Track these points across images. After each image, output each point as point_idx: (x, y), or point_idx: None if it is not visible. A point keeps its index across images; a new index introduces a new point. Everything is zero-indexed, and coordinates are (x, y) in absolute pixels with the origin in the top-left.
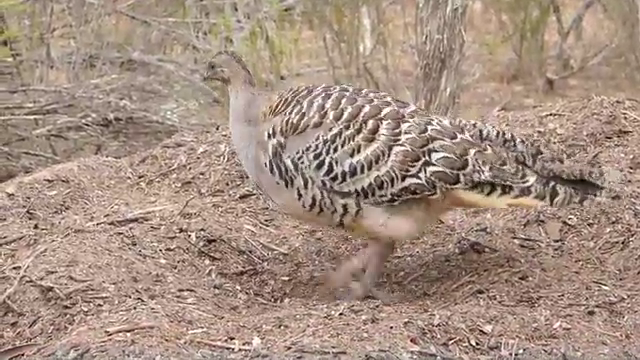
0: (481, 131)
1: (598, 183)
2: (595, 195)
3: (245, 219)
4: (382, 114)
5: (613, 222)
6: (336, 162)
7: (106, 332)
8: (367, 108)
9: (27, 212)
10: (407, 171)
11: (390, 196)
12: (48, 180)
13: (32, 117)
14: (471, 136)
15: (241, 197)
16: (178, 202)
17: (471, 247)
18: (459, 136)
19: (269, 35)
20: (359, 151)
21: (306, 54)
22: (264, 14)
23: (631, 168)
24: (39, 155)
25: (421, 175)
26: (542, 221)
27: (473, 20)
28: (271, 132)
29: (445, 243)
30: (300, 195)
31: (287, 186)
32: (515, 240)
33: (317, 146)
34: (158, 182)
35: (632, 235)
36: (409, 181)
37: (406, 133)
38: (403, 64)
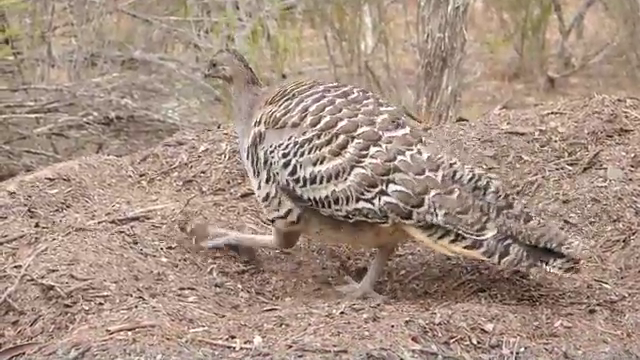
0: (455, 172)
1: (560, 251)
2: (547, 264)
3: (246, 218)
4: (357, 132)
5: (614, 220)
6: (300, 166)
7: (107, 331)
8: (344, 122)
9: (28, 210)
10: (362, 194)
11: (345, 212)
12: (49, 179)
13: (33, 116)
14: (443, 176)
15: (242, 196)
16: (179, 201)
17: None
18: (426, 174)
19: (271, 34)
20: (322, 162)
21: (307, 52)
22: (266, 13)
23: (632, 166)
24: (40, 154)
25: (375, 202)
26: (543, 219)
27: (474, 19)
28: (257, 120)
29: None
30: (259, 187)
31: (254, 175)
32: None
33: (287, 146)
34: (159, 181)
35: (633, 234)
36: (362, 204)
37: (372, 157)
38: (404, 63)
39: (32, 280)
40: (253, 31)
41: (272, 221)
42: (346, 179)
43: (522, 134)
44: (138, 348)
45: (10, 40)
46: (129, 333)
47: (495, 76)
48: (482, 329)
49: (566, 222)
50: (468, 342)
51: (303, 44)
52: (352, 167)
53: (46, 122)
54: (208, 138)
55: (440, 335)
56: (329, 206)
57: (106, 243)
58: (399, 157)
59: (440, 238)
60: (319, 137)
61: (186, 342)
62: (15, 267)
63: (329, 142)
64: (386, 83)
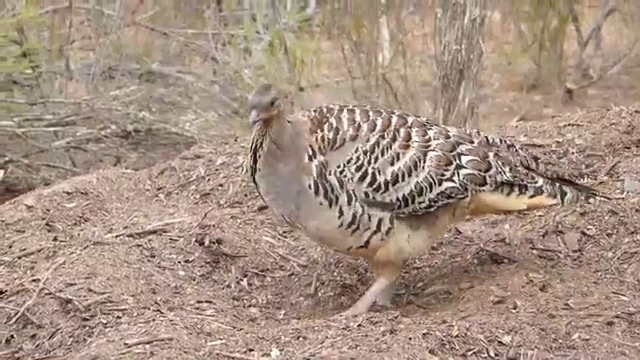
0: (487, 137)
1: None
2: (595, 194)
3: (264, 230)
4: (409, 123)
5: (632, 232)
6: (378, 171)
7: (125, 344)
8: (395, 118)
9: (46, 224)
10: (442, 175)
11: (428, 202)
12: (67, 192)
13: (51, 129)
14: (479, 142)
15: (260, 209)
16: (197, 214)
17: (490, 258)
18: (475, 140)
19: (288, 46)
20: (398, 158)
21: (325, 65)
22: (283, 25)
23: None
24: (58, 167)
25: (455, 178)
26: (561, 232)
27: (492, 30)
28: (310, 153)
29: (464, 254)
30: (341, 213)
31: (330, 205)
32: (534, 251)
33: (358, 157)
34: (177, 194)
35: None
36: (445, 185)
37: (435, 139)
38: (422, 74)
39: (50, 294)
40: (270, 44)
41: (366, 245)
42: (424, 167)
43: (539, 146)
44: None
45: (28, 54)
46: (147, 346)
47: (513, 87)
48: (500, 341)
49: (584, 234)
50: (486, 354)
51: (320, 56)
52: (424, 153)
53: (64, 135)
54: (225, 151)
55: (458, 347)
56: (412, 201)
57: (124, 256)
58: (450, 133)
59: (508, 195)
60: (384, 137)
61: (204, 355)
62: (33, 281)
63: (394, 138)
64: (403, 95)
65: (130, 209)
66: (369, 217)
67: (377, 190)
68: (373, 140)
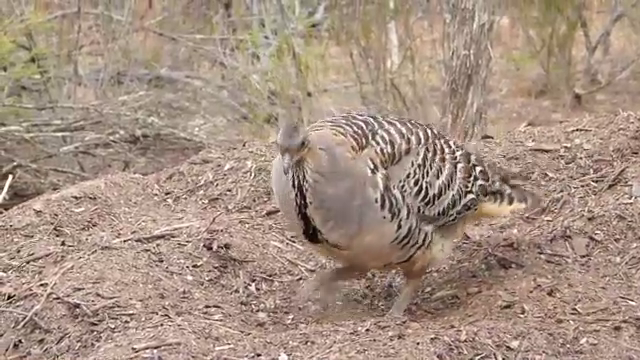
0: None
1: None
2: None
3: (272, 235)
4: (437, 134)
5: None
6: (430, 185)
7: (133, 349)
8: (428, 130)
9: (54, 229)
10: (466, 187)
11: (455, 214)
12: (75, 197)
13: (60, 134)
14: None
15: (268, 213)
16: (205, 219)
17: (498, 263)
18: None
19: (296, 51)
20: (441, 172)
21: (333, 70)
22: (291, 30)
23: None
24: (67, 172)
25: (473, 189)
26: (569, 236)
27: (500, 35)
28: (372, 166)
29: (472, 259)
30: (400, 226)
31: (392, 219)
32: (542, 255)
33: (415, 172)
34: (185, 199)
35: None
36: (468, 197)
37: (456, 151)
38: (430, 80)
39: (58, 298)
40: (279, 49)
41: (408, 259)
42: (455, 179)
43: (547, 151)
44: None
45: (37, 59)
46: (155, 351)
47: (521, 93)
48: (508, 346)
49: (591, 239)
50: (494, 359)
51: (329, 62)
52: (455, 165)
53: (73, 140)
54: (234, 156)
55: (465, 352)
56: (446, 214)
57: (132, 261)
58: (461, 143)
59: (495, 203)
60: (428, 150)
61: None
62: (41, 285)
63: (435, 152)
64: (412, 100)
65: (138, 214)
66: (419, 231)
67: (427, 204)
68: (422, 153)
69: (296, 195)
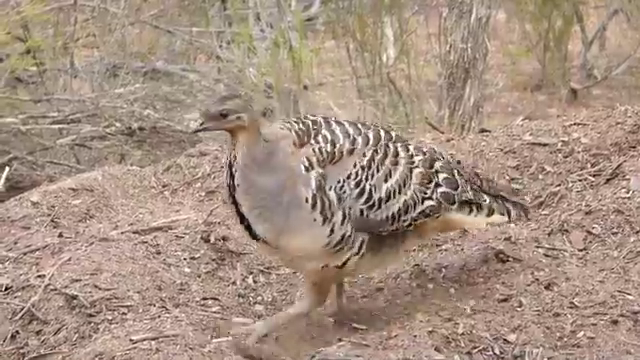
0: (441, 153)
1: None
2: (528, 211)
3: None
4: (393, 137)
5: (637, 231)
6: (374, 188)
7: (130, 340)
8: (382, 132)
9: (51, 221)
10: (425, 193)
11: (410, 220)
12: (72, 189)
13: (56, 126)
14: (446, 158)
15: None
16: (202, 211)
17: (495, 256)
18: (441, 157)
19: (292, 45)
20: (391, 175)
21: (329, 64)
22: (288, 24)
23: None
24: (63, 164)
25: (433, 196)
26: (566, 230)
27: (497, 30)
28: (307, 164)
29: (469, 252)
30: (332, 231)
31: (323, 222)
32: (539, 249)
33: (357, 173)
34: (182, 191)
35: None
36: (426, 203)
37: (416, 155)
38: (426, 74)
39: (56, 290)
40: (275, 42)
41: (343, 265)
42: (410, 185)
43: (545, 145)
44: (161, 358)
45: (33, 51)
46: (152, 343)
47: (517, 87)
48: (505, 339)
49: (589, 233)
50: (491, 352)
51: (324, 55)
52: (410, 170)
53: (69, 133)
54: None
55: (463, 345)
56: (398, 220)
57: (129, 253)
58: (424, 148)
59: (469, 214)
60: (377, 152)
61: (209, 352)
62: (39, 277)
63: (386, 154)
64: (408, 94)
65: (135, 206)
66: (354, 239)
67: (371, 207)
68: (369, 155)
69: (226, 174)
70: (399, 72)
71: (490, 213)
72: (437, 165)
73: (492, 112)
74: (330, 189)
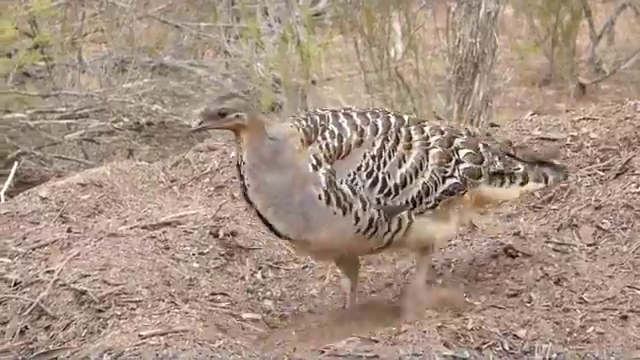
0: (467, 128)
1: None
2: (568, 172)
3: None
4: (406, 121)
5: None
6: (388, 176)
7: (140, 336)
8: (393, 118)
9: (60, 216)
10: (445, 172)
11: (433, 201)
12: (81, 184)
13: (64, 121)
14: (462, 130)
15: None
16: (211, 206)
17: (504, 251)
18: (463, 132)
19: (300, 40)
20: (405, 160)
21: (337, 58)
22: (295, 18)
23: None
24: (71, 159)
25: (455, 174)
26: (575, 225)
27: (505, 24)
28: (315, 163)
29: (478, 247)
30: (357, 219)
31: (345, 214)
32: (548, 244)
33: (368, 164)
34: (191, 186)
35: None
36: (448, 182)
37: (432, 136)
38: (434, 69)
39: (64, 285)
40: (283, 37)
41: (387, 245)
42: (428, 166)
43: (554, 140)
44: (170, 353)
45: (40, 46)
46: (161, 338)
47: (525, 82)
48: (514, 335)
49: (598, 228)
50: (500, 348)
51: (332, 50)
52: (427, 152)
53: (77, 128)
54: None
55: (472, 341)
56: (420, 202)
57: (138, 248)
58: (442, 127)
59: (502, 185)
60: (388, 140)
61: (218, 347)
62: (47, 272)
63: (398, 140)
64: (416, 89)
65: (144, 201)
66: (387, 219)
67: (388, 195)
68: (379, 143)
69: (237, 175)
70: (407, 67)
71: (525, 181)
72: (457, 142)
73: (500, 107)
74: (342, 183)
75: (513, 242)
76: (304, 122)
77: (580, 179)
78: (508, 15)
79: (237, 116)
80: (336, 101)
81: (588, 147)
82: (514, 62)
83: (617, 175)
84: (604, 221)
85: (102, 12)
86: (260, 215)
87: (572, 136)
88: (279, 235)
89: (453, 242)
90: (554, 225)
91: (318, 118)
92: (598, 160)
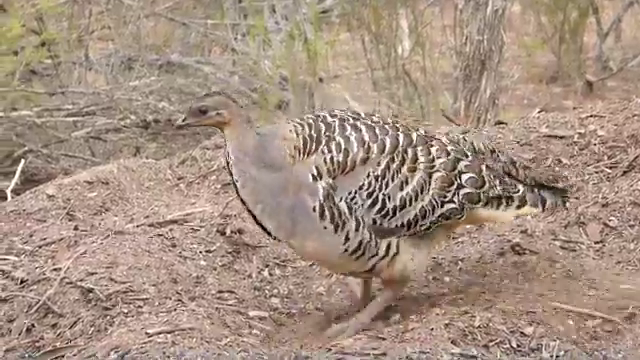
0: (472, 144)
1: (556, 185)
2: (568, 197)
3: None
4: (414, 140)
5: None
6: (388, 198)
7: (146, 334)
8: (402, 136)
9: (67, 213)
10: (445, 197)
11: (428, 224)
12: (88, 182)
13: (71, 119)
14: (467, 150)
15: None
16: (218, 204)
17: (512, 249)
18: (469, 153)
19: (307, 37)
20: (407, 183)
21: (344, 56)
22: (303, 16)
23: None
24: (78, 157)
25: (455, 199)
26: (583, 223)
27: (512, 22)
28: (316, 174)
29: (486, 245)
30: (347, 239)
31: (336, 231)
32: (556, 242)
33: (370, 184)
34: (198, 184)
35: None
36: (447, 207)
37: (438, 158)
38: (441, 66)
39: (71, 283)
40: (290, 34)
41: (371, 270)
42: (429, 190)
43: (561, 137)
44: (177, 351)
45: (47, 43)
46: (168, 336)
47: (532, 79)
48: (522, 332)
49: (606, 225)
50: (508, 345)
51: (339, 48)
52: (430, 175)
53: (84, 125)
54: None
55: (480, 338)
56: (415, 225)
57: (145, 246)
58: (449, 148)
59: (498, 208)
60: (394, 160)
61: (225, 345)
62: (54, 270)
63: (403, 161)
64: (423, 86)
65: (151, 199)
66: (376, 243)
67: (385, 216)
68: (384, 163)
69: (227, 171)
70: (414, 64)
71: (522, 204)
72: (461, 165)
73: (507, 104)
74: (340, 200)
75: (520, 239)
76: (307, 129)
77: (587, 176)
78: (515, 12)
79: (217, 113)
80: (343, 99)
81: (595, 144)
82: (521, 59)
83: (624, 172)
84: (611, 218)
85: (109, 10)
86: (251, 212)
87: (579, 133)
88: (269, 234)
89: (460, 239)
90: (561, 222)
91: (324, 127)
92: (605, 157)
